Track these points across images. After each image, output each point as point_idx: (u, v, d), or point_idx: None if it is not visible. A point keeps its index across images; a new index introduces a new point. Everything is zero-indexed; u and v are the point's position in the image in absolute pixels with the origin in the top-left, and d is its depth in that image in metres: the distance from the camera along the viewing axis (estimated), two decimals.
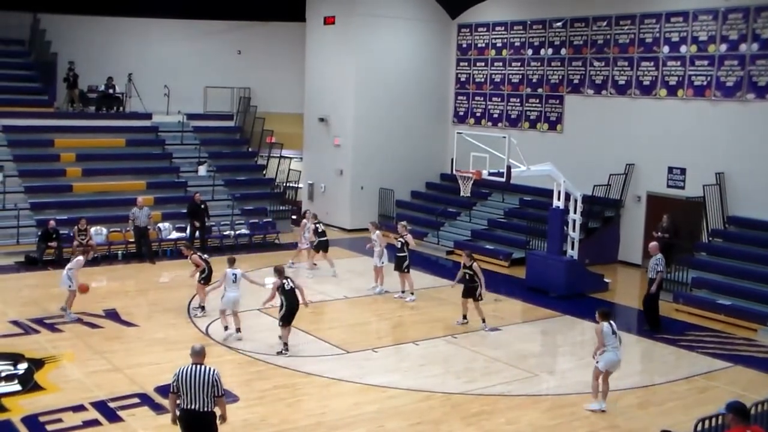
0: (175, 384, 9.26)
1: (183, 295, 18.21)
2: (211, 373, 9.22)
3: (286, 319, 14.78)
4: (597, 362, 12.78)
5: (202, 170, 26.87)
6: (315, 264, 21.53)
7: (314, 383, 13.61)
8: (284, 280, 14.74)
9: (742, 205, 20.69)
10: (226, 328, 15.75)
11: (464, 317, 17.02)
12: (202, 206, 23.35)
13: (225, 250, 23.30)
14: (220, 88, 29.99)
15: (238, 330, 15.61)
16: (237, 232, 24.71)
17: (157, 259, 22.39)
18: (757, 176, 20.38)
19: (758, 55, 20.42)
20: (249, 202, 26.60)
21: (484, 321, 16.77)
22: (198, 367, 9.26)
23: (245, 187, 27.29)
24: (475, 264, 16.74)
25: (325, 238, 21.23)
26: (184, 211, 23.85)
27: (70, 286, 16.47)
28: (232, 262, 16.17)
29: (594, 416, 12.43)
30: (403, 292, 19.11)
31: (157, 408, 12.12)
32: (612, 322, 12.74)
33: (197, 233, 23.19)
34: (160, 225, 23.69)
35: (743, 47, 20.72)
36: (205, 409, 9.20)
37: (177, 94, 28.71)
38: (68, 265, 16.78)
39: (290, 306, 14.73)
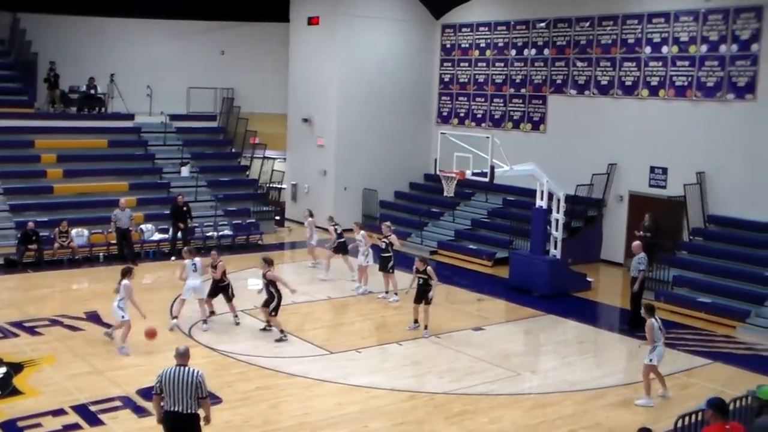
0: (158, 385, 9.27)
1: (165, 297, 18.17)
2: (195, 374, 9.23)
3: (278, 309, 15.70)
4: (650, 360, 12.99)
5: (185, 171, 26.79)
6: (317, 263, 21.88)
7: (297, 384, 13.64)
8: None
9: (723, 204, 20.89)
10: (175, 317, 16.30)
11: (415, 321, 16.69)
12: (185, 208, 23.28)
13: (208, 251, 23.24)
14: (204, 89, 29.91)
15: (205, 322, 16.28)
16: (220, 233, 24.69)
17: (139, 261, 22.29)
18: (737, 175, 20.60)
19: (737, 56, 20.62)
20: (232, 203, 26.58)
21: (426, 328, 16.39)
22: (182, 368, 9.27)
23: (228, 188, 27.26)
24: (429, 268, 16.38)
25: (343, 240, 21.14)
26: (167, 212, 23.76)
27: (123, 317, 14.88)
28: (192, 253, 16.82)
29: (575, 415, 12.54)
30: (386, 292, 19.18)
31: (140, 411, 12.11)
32: (657, 317, 13.13)
33: (180, 235, 23.14)
34: (143, 226, 23.65)
35: (723, 48, 20.92)
36: (189, 410, 9.21)
37: (160, 94, 28.66)
38: (117, 296, 15.04)
39: (281, 297, 15.66)
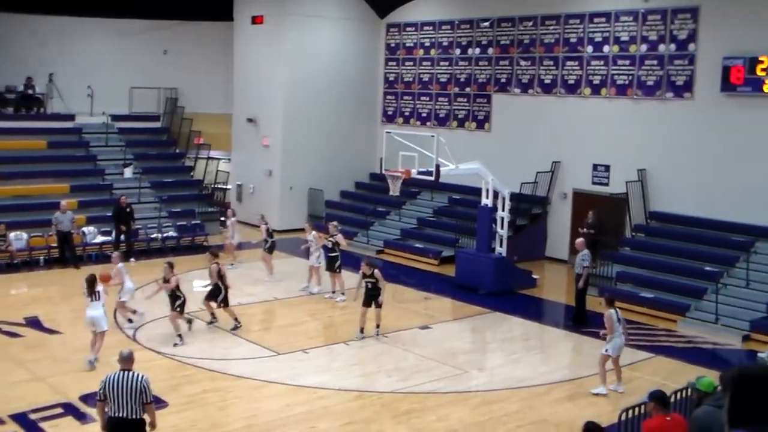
0: (102, 391, 9.12)
1: (109, 300, 17.86)
2: (140, 379, 9.12)
3: (227, 300, 16.27)
4: (605, 350, 13.37)
5: (128, 172, 26.47)
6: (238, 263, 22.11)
7: (244, 386, 13.58)
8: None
9: (663, 200, 21.35)
10: (130, 320, 16.48)
11: (361, 330, 16.22)
12: (128, 209, 22.96)
13: (152, 254, 23.12)
14: (146, 89, 29.48)
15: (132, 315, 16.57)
16: (164, 235, 24.43)
17: (81, 264, 21.93)
18: (676, 172, 21.06)
19: (676, 56, 21.08)
20: (176, 204, 26.31)
21: (378, 326, 16.33)
22: (126, 373, 9.16)
23: (172, 189, 26.98)
24: (376, 271, 16.25)
25: (274, 240, 21.13)
26: (109, 214, 23.42)
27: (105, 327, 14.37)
28: (120, 257, 17.39)
29: (521, 411, 12.70)
30: (333, 292, 19.18)
31: (82, 417, 11.96)
32: (616, 309, 13.64)
33: (123, 237, 22.83)
34: (85, 229, 23.27)
35: (662, 48, 21.37)
36: (134, 416, 9.09)
37: (101, 94, 28.22)
38: (99, 302, 14.31)
39: (227, 288, 16.21)
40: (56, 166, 25.71)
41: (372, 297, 16.18)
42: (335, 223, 20.11)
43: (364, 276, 16.29)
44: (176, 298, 15.52)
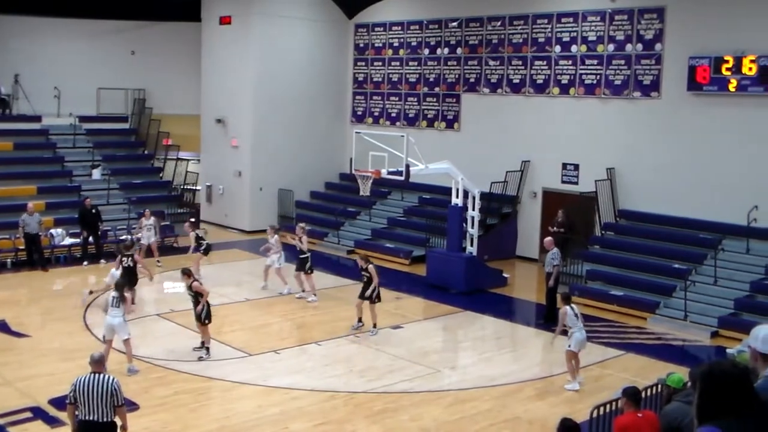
0: (72, 394, 9.04)
1: (78, 303, 17.77)
2: (111, 381, 9.06)
3: (209, 316, 14.91)
4: (569, 346, 13.58)
5: (96, 174, 26.22)
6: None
7: (217, 387, 13.55)
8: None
9: (632, 199, 21.58)
10: None
11: (359, 320, 16.78)
12: (94, 211, 22.72)
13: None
14: (114, 90, 29.24)
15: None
16: (134, 237, 24.19)
17: (49, 266, 21.74)
18: (645, 170, 21.30)
19: (642, 55, 21.32)
20: (146, 206, 25.86)
21: (374, 326, 16.51)
22: (96, 375, 9.09)
23: (141, 191, 26.78)
24: (370, 266, 16.51)
25: (204, 244, 20.91)
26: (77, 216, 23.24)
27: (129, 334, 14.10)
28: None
29: (493, 410, 12.78)
30: (303, 291, 19.16)
31: (52, 421, 11.80)
32: (573, 305, 13.83)
33: (91, 239, 22.61)
34: (53, 231, 22.95)
35: (629, 47, 21.60)
36: (105, 419, 9.02)
37: (68, 95, 27.88)
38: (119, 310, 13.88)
39: (208, 304, 14.96)
40: (23, 167, 25.36)
41: (365, 290, 16.63)
42: (303, 224, 20.04)
43: (361, 269, 16.71)
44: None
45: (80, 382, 9.05)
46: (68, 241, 23.12)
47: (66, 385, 9.37)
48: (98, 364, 9.25)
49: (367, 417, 12.39)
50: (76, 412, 9.10)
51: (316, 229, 24.47)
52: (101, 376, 9.11)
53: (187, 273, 15.02)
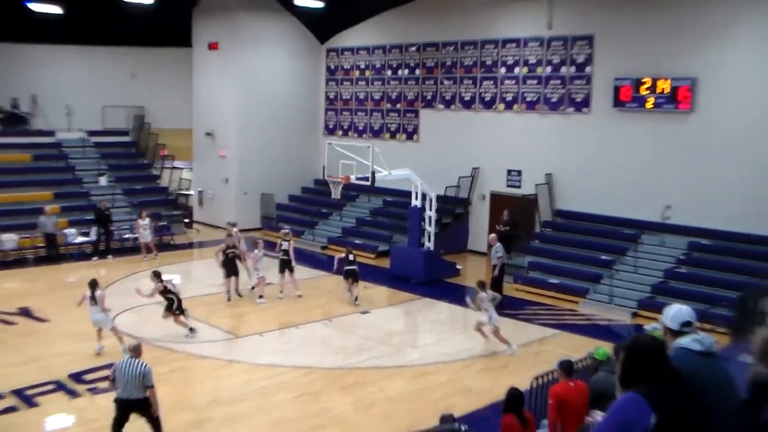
0: (113, 375, 9.58)
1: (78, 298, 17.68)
2: (142, 367, 9.47)
3: (181, 308, 15.10)
4: (494, 324, 14.39)
5: (103, 181, 26.25)
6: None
7: (208, 365, 13.62)
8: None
9: (567, 200, 21.88)
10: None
11: (356, 299, 17.95)
12: (106, 212, 22.95)
13: (126, 252, 23.13)
14: (117, 107, 29.11)
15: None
16: (136, 235, 24.14)
17: (63, 261, 21.99)
18: (578, 176, 21.61)
19: (575, 76, 21.66)
20: (146, 208, 25.78)
21: (356, 298, 17.94)
22: (132, 360, 9.52)
23: (142, 195, 26.74)
24: (351, 256, 17.59)
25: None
26: (88, 217, 23.52)
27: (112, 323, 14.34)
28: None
29: (449, 381, 13.00)
30: (281, 291, 18.58)
31: (72, 393, 11.96)
32: (488, 291, 14.75)
33: (103, 237, 22.77)
34: (66, 231, 23.14)
35: (564, 69, 21.93)
36: (137, 397, 9.46)
37: (78, 113, 27.94)
38: (98, 307, 13.92)
39: (179, 299, 15.08)
40: (40, 176, 25.39)
41: (350, 274, 17.89)
42: (287, 230, 19.96)
43: (346, 260, 17.96)
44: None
45: (119, 365, 9.51)
46: (79, 239, 23.26)
47: (82, 362, 9.57)
48: (135, 351, 9.67)
49: (341, 389, 12.56)
50: (115, 390, 9.59)
51: (294, 228, 24.41)
52: (136, 360, 9.50)
53: (157, 275, 15.06)
